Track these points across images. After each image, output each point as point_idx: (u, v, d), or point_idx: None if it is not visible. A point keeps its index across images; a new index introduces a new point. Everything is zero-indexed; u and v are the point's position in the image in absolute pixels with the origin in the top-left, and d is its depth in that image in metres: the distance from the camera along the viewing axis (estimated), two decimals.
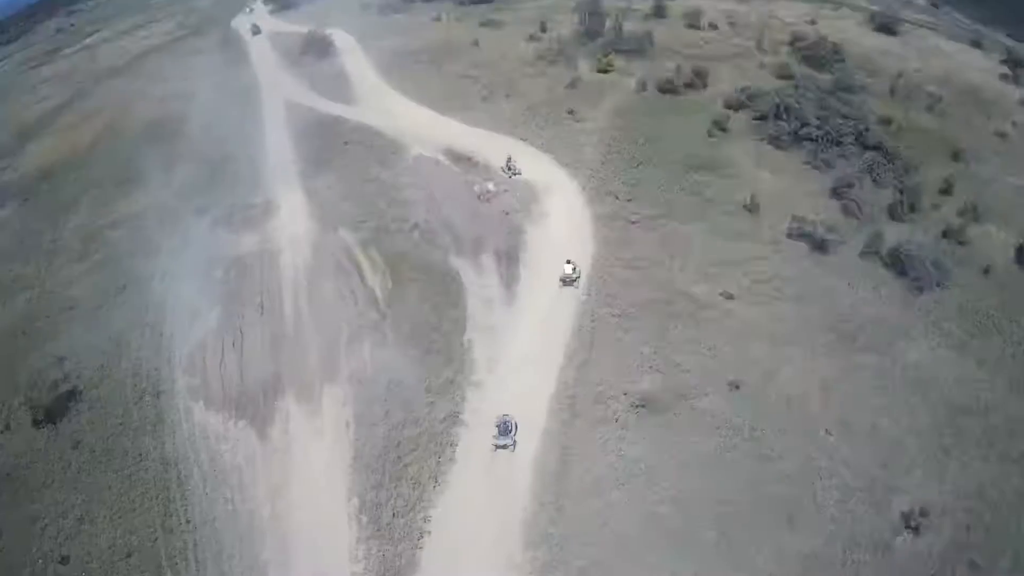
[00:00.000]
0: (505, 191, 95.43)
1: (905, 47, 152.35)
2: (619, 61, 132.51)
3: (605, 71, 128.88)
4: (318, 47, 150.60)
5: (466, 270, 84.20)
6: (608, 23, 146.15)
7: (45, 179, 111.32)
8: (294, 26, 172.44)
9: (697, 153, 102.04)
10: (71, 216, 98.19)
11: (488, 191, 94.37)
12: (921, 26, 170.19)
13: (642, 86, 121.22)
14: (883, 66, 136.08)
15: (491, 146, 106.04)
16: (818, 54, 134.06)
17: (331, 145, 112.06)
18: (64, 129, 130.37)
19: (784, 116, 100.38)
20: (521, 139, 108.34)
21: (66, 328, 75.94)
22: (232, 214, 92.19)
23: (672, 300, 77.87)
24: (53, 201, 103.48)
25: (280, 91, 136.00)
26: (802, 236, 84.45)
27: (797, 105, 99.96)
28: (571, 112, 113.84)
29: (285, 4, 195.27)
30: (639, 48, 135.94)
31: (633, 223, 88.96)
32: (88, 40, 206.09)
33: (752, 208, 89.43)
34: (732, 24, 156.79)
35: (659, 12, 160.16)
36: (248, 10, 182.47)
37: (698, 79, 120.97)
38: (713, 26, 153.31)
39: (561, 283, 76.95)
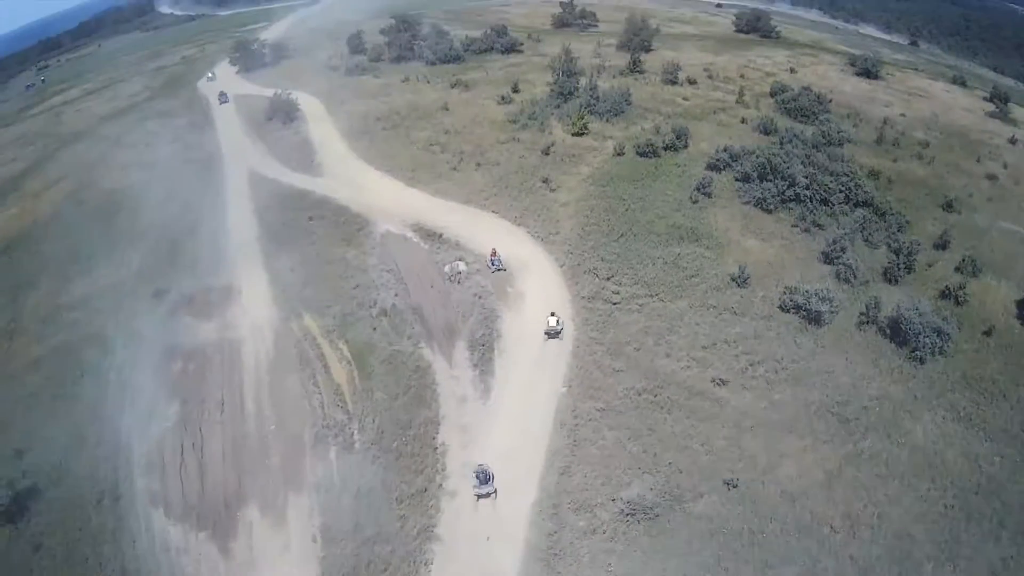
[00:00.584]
0: (477, 271, 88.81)
1: (888, 91, 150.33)
2: (595, 123, 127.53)
3: (580, 134, 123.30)
4: (283, 112, 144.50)
5: (438, 362, 78.27)
6: (582, 82, 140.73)
7: (5, 252, 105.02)
8: (260, 88, 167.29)
9: (680, 222, 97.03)
10: (30, 294, 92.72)
11: (459, 272, 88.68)
12: (903, 68, 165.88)
13: (620, 150, 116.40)
14: (868, 113, 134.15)
15: (461, 221, 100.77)
16: (801, 106, 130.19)
17: (295, 221, 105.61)
18: (27, 196, 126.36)
19: (770, 176, 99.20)
20: (493, 212, 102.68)
21: (24, 418, 71.23)
22: (193, 297, 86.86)
23: (660, 389, 72.48)
24: (12, 277, 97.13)
25: (244, 161, 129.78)
26: (795, 308, 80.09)
27: (783, 164, 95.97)
28: (545, 181, 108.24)
29: (252, 65, 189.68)
30: (616, 108, 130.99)
31: (615, 304, 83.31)
32: (55, 99, 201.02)
33: (741, 281, 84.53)
34: (711, 77, 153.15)
35: (635, 67, 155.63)
36: (209, 76, 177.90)
37: (678, 140, 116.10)
38: (691, 81, 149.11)
39: (546, 336, 76.75)
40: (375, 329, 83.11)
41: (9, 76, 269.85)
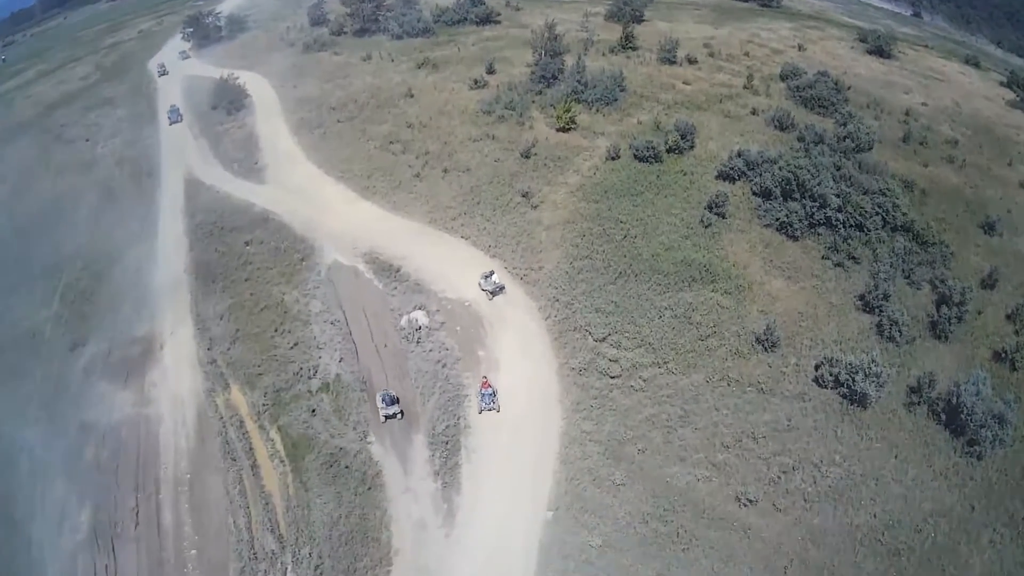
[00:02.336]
0: (441, 324, 68.68)
1: (904, 73, 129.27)
2: (584, 114, 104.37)
3: (567, 128, 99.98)
4: (230, 99, 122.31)
5: (390, 466, 58.63)
6: (568, 63, 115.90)
7: None
8: (210, 68, 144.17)
9: (691, 256, 76.22)
10: None
11: (418, 327, 68.05)
12: (914, 45, 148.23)
13: (614, 152, 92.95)
14: (888, 102, 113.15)
15: (424, 249, 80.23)
16: (818, 95, 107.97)
17: (231, 246, 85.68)
18: None
19: (796, 194, 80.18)
20: (463, 237, 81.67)
21: None
22: (110, 353, 73.67)
23: (673, 513, 53.11)
24: None
25: (183, 162, 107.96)
26: (835, 384, 61.07)
27: (811, 179, 78.62)
28: (526, 195, 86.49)
29: (205, 41, 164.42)
30: (607, 96, 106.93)
31: (613, 379, 62.79)
32: (11, 82, 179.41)
33: (769, 344, 64.61)
34: (712, 55, 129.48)
35: (628, 43, 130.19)
36: (159, 68, 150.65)
37: (683, 140, 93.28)
38: (692, 60, 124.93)
39: (489, 294, 71.24)
40: (314, 412, 63.53)
41: None
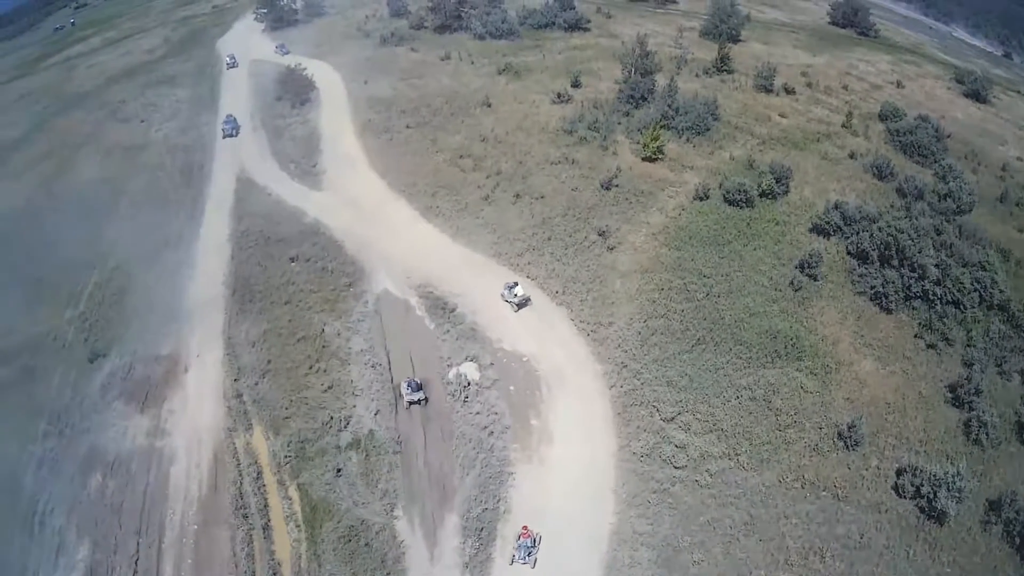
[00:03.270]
0: (494, 381, 62.90)
1: (999, 121, 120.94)
2: (673, 142, 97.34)
3: (654, 158, 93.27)
4: (296, 90, 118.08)
5: (416, 550, 53.29)
6: (659, 83, 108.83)
7: None
8: (281, 54, 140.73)
9: (778, 326, 69.46)
10: None
11: (467, 384, 62.02)
12: (1008, 90, 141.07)
13: (703, 191, 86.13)
14: (985, 153, 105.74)
15: (484, 286, 74.45)
16: (919, 142, 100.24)
17: (274, 261, 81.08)
18: (13, 170, 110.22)
19: (894, 260, 73.75)
20: (529, 277, 76.12)
21: None
22: (131, 369, 69.31)
23: None
24: None
25: (237, 158, 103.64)
26: (915, 494, 55.10)
27: (911, 244, 73.28)
28: (603, 233, 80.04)
29: (279, 23, 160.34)
30: (699, 124, 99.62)
31: (678, 470, 56.41)
32: (75, 48, 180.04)
33: (852, 441, 58.20)
34: (810, 86, 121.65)
35: (723, 65, 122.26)
36: (229, 60, 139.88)
37: (778, 183, 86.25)
38: (789, 90, 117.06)
39: (515, 306, 70.58)
40: (339, 472, 58.49)
41: (47, 13, 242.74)
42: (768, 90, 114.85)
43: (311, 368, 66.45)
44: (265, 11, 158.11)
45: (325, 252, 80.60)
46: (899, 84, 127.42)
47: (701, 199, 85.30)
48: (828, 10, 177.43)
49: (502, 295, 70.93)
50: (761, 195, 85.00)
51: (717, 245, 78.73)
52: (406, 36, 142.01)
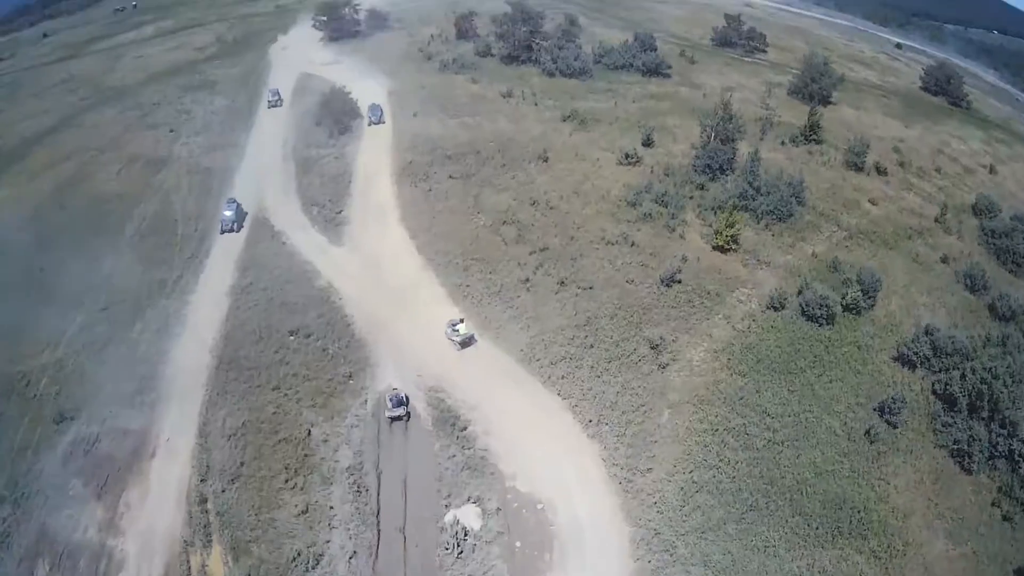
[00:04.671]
0: (497, 535, 54.30)
1: None
2: (750, 228, 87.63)
3: (726, 247, 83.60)
4: (338, 116, 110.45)
5: None
6: (741, 151, 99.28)
7: None
8: (333, 69, 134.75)
9: (845, 492, 59.67)
10: None
11: (466, 531, 54.04)
12: None
13: (779, 299, 76.44)
14: None
15: (505, 401, 65.18)
16: (1014, 247, 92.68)
17: (272, 330, 73.05)
18: (32, 169, 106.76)
19: (983, 410, 65.21)
20: (560, 395, 66.32)
21: None
22: (97, 441, 62.37)
23: None
24: None
25: (257, 191, 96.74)
26: None
27: (1005, 395, 64.57)
28: (656, 346, 69.91)
29: (338, 33, 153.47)
30: (782, 208, 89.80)
31: None
32: (127, 35, 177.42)
33: None
34: (903, 165, 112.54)
35: (812, 133, 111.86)
36: (271, 98, 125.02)
37: (864, 296, 77.28)
38: (880, 170, 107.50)
39: (458, 346, 68.54)
40: None
41: None
42: (859, 168, 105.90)
43: (287, 482, 58.04)
44: (324, 19, 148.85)
45: (330, 329, 72.19)
46: (992, 169, 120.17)
47: (776, 309, 76.01)
48: (921, 74, 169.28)
49: (445, 332, 69.50)
50: (844, 308, 76.22)
51: (788, 374, 69.05)
52: (469, 64, 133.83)
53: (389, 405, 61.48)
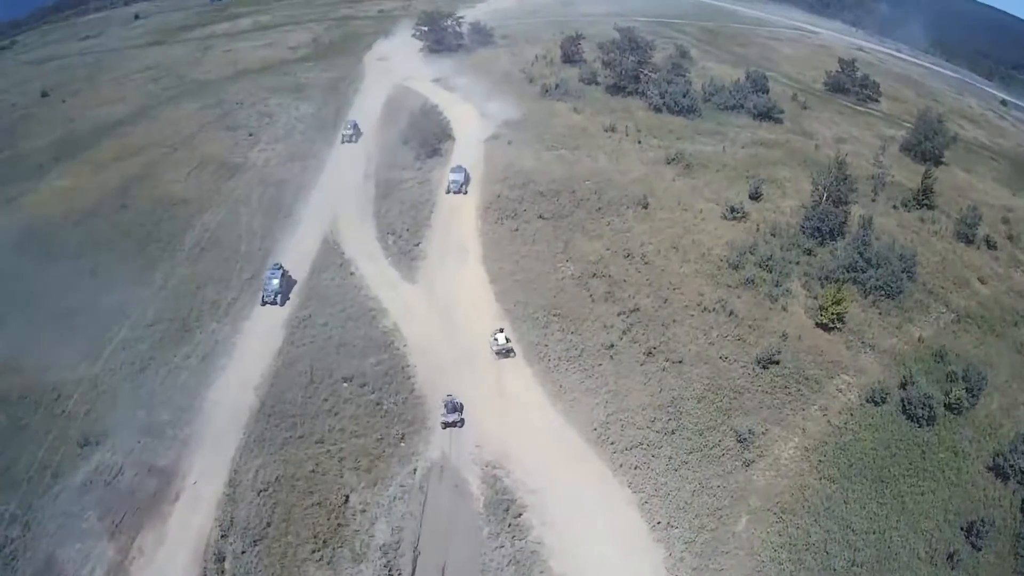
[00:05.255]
0: None
1: None
2: (856, 304, 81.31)
3: (830, 325, 77.28)
4: (427, 137, 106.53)
5: None
6: (853, 215, 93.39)
7: (18, 250, 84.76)
8: (428, 85, 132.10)
9: None
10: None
11: None
12: None
13: (880, 393, 70.10)
14: None
15: (568, 488, 59.74)
16: None
17: (326, 373, 68.97)
18: (100, 159, 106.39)
19: None
20: (631, 487, 60.33)
21: None
22: (121, 472, 59.56)
23: None
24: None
25: (331, 212, 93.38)
26: None
27: None
28: (743, 439, 63.88)
29: (439, 46, 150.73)
30: (891, 284, 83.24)
31: None
32: (220, 26, 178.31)
33: None
34: (1011, 238, 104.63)
35: (924, 197, 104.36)
36: (348, 131, 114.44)
37: (969, 394, 71.64)
38: (990, 243, 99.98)
39: (496, 355, 68.89)
40: None
41: None
42: (969, 240, 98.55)
43: (314, 552, 53.83)
44: (425, 29, 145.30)
45: (388, 380, 67.90)
46: None
47: (876, 403, 69.90)
48: None
49: (489, 342, 71.17)
50: (946, 408, 70.72)
51: (880, 482, 63.44)
52: (572, 90, 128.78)
53: (444, 411, 62.14)
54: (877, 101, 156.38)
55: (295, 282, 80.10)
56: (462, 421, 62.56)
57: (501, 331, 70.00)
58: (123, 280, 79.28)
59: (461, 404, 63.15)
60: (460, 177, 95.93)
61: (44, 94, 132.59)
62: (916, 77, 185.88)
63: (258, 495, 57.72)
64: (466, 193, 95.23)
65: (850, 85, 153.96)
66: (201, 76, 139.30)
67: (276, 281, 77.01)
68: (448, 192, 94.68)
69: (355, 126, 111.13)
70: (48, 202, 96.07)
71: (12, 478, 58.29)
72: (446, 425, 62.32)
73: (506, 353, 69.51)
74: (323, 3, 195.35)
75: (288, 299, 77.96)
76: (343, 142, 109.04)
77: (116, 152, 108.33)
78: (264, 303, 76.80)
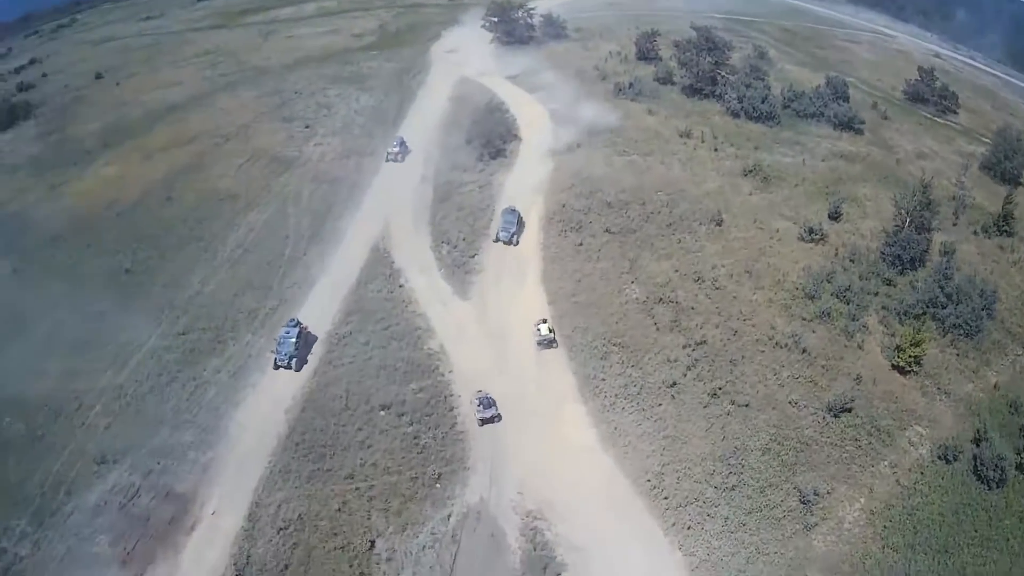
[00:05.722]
0: None
1: None
2: (934, 344, 75.23)
3: (906, 368, 71.46)
4: (492, 137, 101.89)
5: None
6: (935, 242, 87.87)
7: (54, 242, 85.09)
8: (495, 80, 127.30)
9: None
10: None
11: None
12: None
13: (954, 449, 64.82)
14: None
15: (614, 545, 55.44)
16: None
17: (362, 400, 65.33)
18: (149, 147, 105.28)
19: None
20: (681, 549, 55.71)
21: None
22: (137, 495, 57.44)
23: None
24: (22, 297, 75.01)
25: (383, 215, 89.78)
26: None
27: None
28: (806, 500, 58.60)
29: (510, 38, 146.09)
30: (971, 323, 77.12)
31: None
32: (283, 10, 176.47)
33: None
34: None
35: (1004, 223, 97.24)
36: (395, 148, 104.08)
37: None
38: None
39: (538, 345, 68.19)
40: None
41: None
42: None
43: None
44: (496, 20, 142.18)
45: (429, 411, 64.06)
46: None
47: (948, 461, 64.74)
48: None
49: (532, 332, 70.62)
50: (1017, 468, 65.33)
51: (943, 553, 58.38)
52: (647, 90, 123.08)
53: (479, 407, 62.05)
54: (955, 113, 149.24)
55: (315, 339, 71.41)
56: (499, 416, 61.99)
57: (544, 321, 69.74)
58: (159, 281, 77.50)
59: (494, 399, 62.52)
60: (512, 222, 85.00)
61: (99, 76, 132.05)
62: (992, 88, 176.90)
63: (278, 533, 54.77)
64: (517, 244, 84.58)
65: (929, 95, 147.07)
66: (260, 63, 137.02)
67: (292, 341, 67.85)
68: (496, 241, 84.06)
69: (402, 143, 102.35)
70: (92, 191, 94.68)
71: (26, 492, 56.77)
72: (484, 421, 61.68)
73: (548, 344, 68.65)
74: None
75: (305, 363, 68.81)
76: (387, 160, 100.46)
77: (166, 140, 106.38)
78: (277, 366, 67.61)
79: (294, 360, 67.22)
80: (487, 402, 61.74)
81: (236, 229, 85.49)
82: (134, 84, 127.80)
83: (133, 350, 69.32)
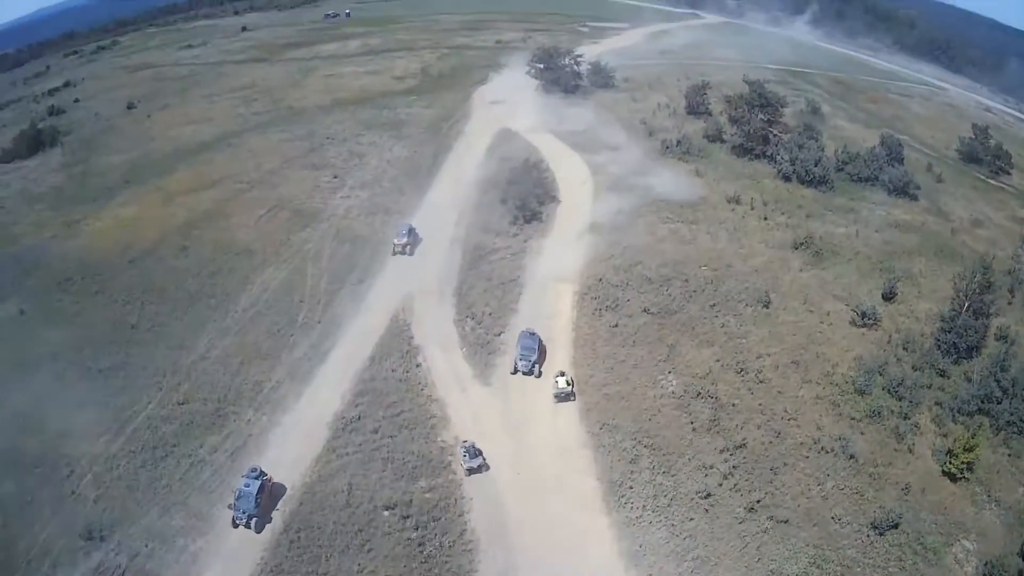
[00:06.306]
0: None
1: None
2: (987, 442, 69.92)
3: (957, 475, 66.57)
4: (528, 197, 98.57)
5: None
6: (992, 327, 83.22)
7: (63, 285, 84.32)
8: (537, 132, 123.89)
9: None
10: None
11: None
12: None
13: (998, 569, 59.19)
14: None
15: None
16: None
17: (366, 497, 61.31)
18: (171, 188, 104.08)
19: None
20: None
21: None
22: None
23: None
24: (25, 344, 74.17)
25: (406, 285, 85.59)
26: None
27: None
28: None
29: (555, 86, 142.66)
30: None
31: None
32: (327, 46, 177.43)
33: None
34: None
35: None
36: (401, 239, 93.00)
37: None
38: None
39: (555, 399, 67.15)
40: None
41: None
42: None
43: None
44: (541, 67, 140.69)
45: (437, 515, 59.68)
46: None
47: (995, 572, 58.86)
48: None
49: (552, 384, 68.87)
50: None
51: None
52: (695, 148, 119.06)
53: (466, 457, 61.39)
54: (1009, 173, 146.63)
55: (283, 491, 62.19)
56: (486, 465, 61.52)
57: (563, 374, 68.75)
58: (164, 341, 74.95)
59: (480, 449, 61.94)
60: (532, 348, 74.91)
61: (130, 106, 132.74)
62: None
63: None
64: (539, 376, 74.19)
65: (983, 155, 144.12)
66: (296, 102, 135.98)
67: (253, 495, 58.72)
68: (515, 372, 74.59)
69: (411, 232, 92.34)
70: (108, 232, 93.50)
71: (11, 560, 55.36)
72: (471, 471, 60.83)
73: (565, 397, 67.71)
74: (441, 29, 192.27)
75: (269, 522, 59.38)
76: (394, 254, 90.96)
77: (189, 182, 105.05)
78: (236, 524, 58.75)
79: (254, 521, 58.17)
80: (473, 452, 61.16)
81: (250, 288, 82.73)
82: (165, 117, 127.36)
83: (130, 416, 66.91)
